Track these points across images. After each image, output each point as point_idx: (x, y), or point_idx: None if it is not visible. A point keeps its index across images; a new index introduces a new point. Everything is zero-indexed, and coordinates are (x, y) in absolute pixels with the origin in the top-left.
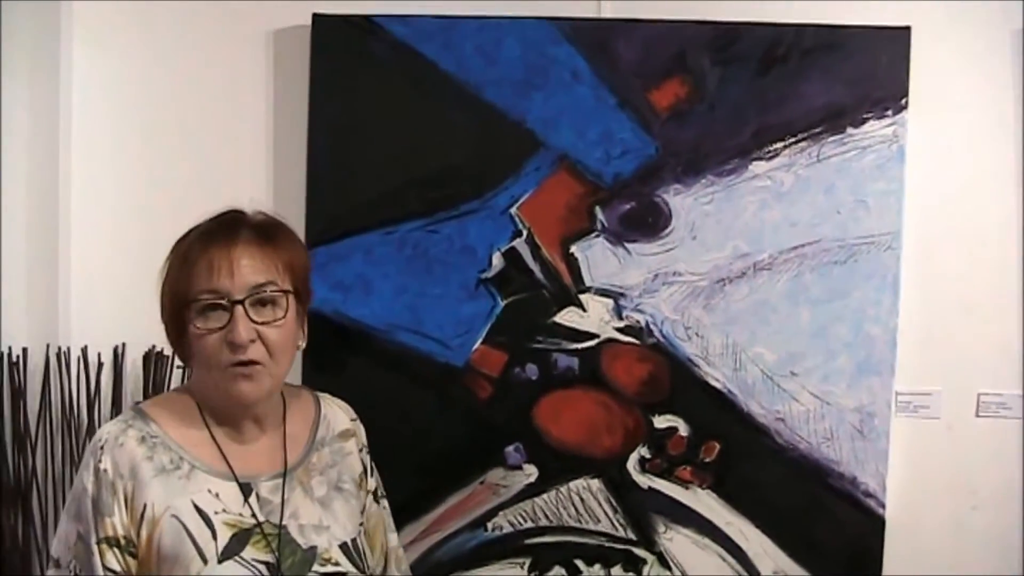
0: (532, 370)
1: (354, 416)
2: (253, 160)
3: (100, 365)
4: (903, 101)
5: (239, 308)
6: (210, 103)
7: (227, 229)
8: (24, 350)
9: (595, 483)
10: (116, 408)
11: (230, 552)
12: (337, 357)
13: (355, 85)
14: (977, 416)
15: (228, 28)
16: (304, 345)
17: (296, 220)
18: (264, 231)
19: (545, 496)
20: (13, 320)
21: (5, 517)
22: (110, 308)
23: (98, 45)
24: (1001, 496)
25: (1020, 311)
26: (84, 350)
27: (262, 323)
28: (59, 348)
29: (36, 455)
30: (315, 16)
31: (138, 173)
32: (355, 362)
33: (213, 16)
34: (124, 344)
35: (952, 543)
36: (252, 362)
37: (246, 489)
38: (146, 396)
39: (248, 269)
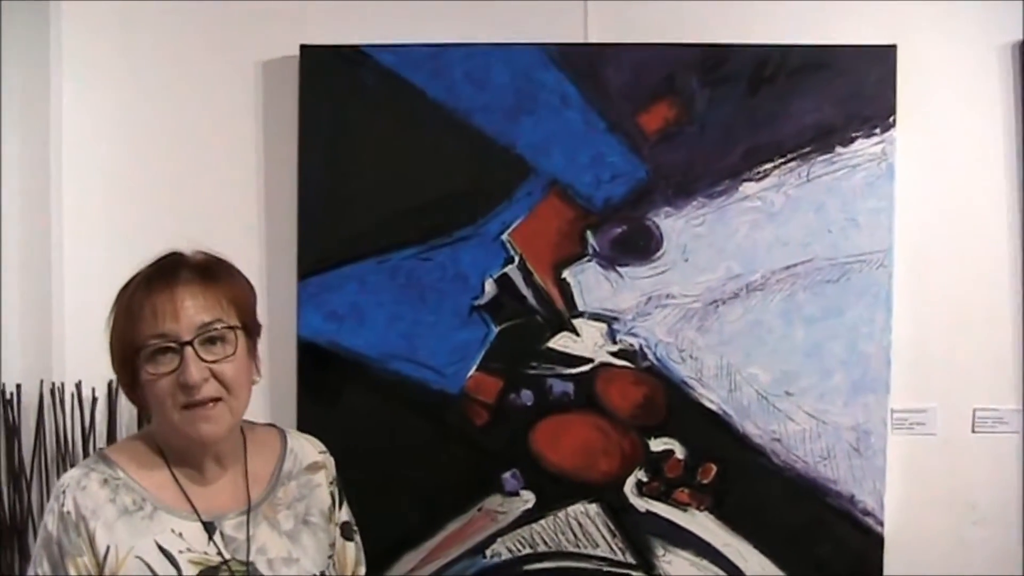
0: (527, 396)
1: (323, 449)
2: (244, 191)
3: (94, 400)
4: (891, 119)
5: (188, 349)
6: (200, 135)
7: (167, 273)
8: (18, 386)
9: (593, 507)
10: (111, 443)
11: None
12: (332, 387)
13: (344, 115)
14: (973, 432)
15: (216, 60)
16: (259, 380)
17: (288, 251)
18: (205, 270)
19: (543, 522)
20: (7, 356)
21: (2, 554)
22: (104, 343)
23: (87, 78)
24: (999, 511)
25: (1013, 325)
26: (78, 385)
27: (213, 361)
28: (53, 384)
29: (31, 491)
30: (303, 47)
31: (129, 207)
32: (350, 392)
33: (201, 48)
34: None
35: (951, 559)
36: (210, 400)
37: (210, 528)
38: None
39: (192, 309)
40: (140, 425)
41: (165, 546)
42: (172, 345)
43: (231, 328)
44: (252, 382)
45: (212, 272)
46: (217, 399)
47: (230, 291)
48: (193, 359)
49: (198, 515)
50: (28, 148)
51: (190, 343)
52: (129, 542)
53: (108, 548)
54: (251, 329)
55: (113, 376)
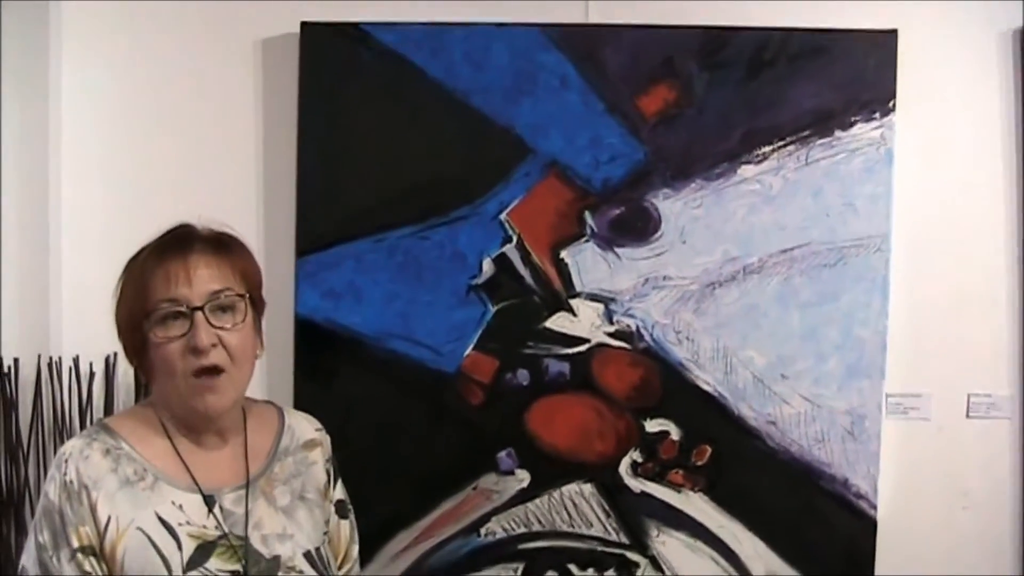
0: (523, 376)
1: (319, 427)
2: (243, 169)
3: (92, 375)
4: (890, 104)
5: (199, 314)
6: (199, 113)
7: (181, 241)
8: (16, 360)
9: (587, 488)
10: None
11: (195, 563)
12: (328, 365)
13: (344, 93)
14: (967, 417)
15: (216, 38)
16: (262, 354)
17: (286, 228)
18: (217, 242)
19: (538, 501)
20: (5, 330)
21: None
22: (101, 318)
23: (87, 56)
24: (992, 496)
25: (1009, 312)
26: (76, 360)
27: (221, 328)
28: (51, 358)
29: (28, 466)
30: (303, 24)
31: (128, 183)
32: (346, 370)
33: (201, 26)
34: (115, 354)
35: (944, 544)
36: (215, 368)
37: (209, 501)
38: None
39: (205, 276)
40: (137, 400)
41: (165, 518)
42: (183, 310)
43: (240, 296)
44: (256, 356)
45: (224, 244)
46: (222, 369)
47: (241, 263)
48: (203, 324)
49: (198, 488)
50: (26, 125)
51: (201, 308)
52: (130, 514)
53: (109, 519)
54: (258, 303)
55: (111, 351)
